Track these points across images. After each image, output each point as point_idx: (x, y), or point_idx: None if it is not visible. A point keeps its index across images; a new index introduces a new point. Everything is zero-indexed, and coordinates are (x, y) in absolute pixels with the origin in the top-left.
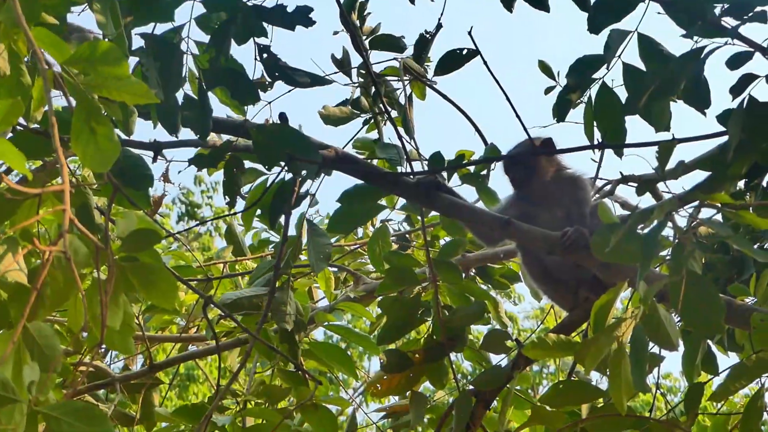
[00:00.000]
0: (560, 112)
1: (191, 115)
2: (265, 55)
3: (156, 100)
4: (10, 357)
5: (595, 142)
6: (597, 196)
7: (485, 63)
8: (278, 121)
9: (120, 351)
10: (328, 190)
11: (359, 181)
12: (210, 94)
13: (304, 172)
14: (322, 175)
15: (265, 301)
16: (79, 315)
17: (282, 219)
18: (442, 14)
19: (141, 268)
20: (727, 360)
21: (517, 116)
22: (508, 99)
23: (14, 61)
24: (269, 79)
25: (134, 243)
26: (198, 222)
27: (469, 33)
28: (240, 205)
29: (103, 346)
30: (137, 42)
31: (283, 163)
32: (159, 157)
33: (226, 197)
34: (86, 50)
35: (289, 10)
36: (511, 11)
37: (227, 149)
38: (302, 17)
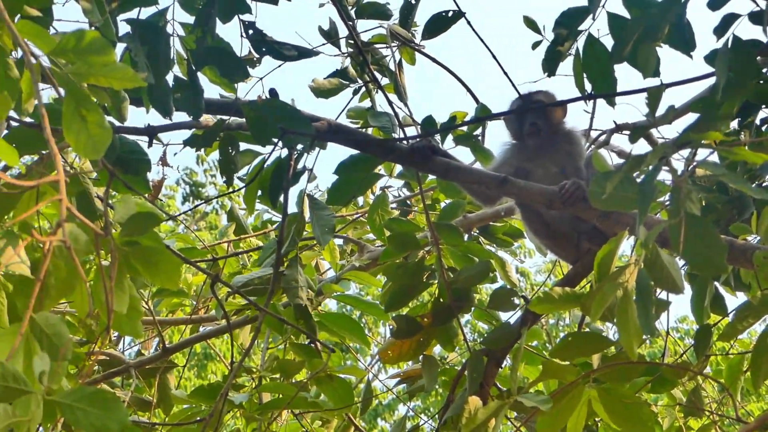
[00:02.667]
0: (549, 66)
1: (183, 97)
2: (250, 31)
3: (142, 83)
4: (19, 349)
5: (586, 93)
6: (592, 147)
7: (469, 24)
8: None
9: (129, 334)
10: (326, 165)
11: (355, 152)
12: (200, 74)
13: (299, 146)
14: (318, 149)
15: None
16: (84, 302)
17: (282, 197)
18: None
19: (142, 251)
20: (736, 300)
21: (505, 73)
22: (494, 57)
23: (0, 56)
24: (257, 55)
25: (134, 227)
26: (202, 201)
27: None
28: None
29: (116, 333)
30: (123, 28)
31: (277, 140)
32: (155, 141)
33: (224, 176)
34: (71, 40)
35: None
36: None
37: (220, 128)
38: None
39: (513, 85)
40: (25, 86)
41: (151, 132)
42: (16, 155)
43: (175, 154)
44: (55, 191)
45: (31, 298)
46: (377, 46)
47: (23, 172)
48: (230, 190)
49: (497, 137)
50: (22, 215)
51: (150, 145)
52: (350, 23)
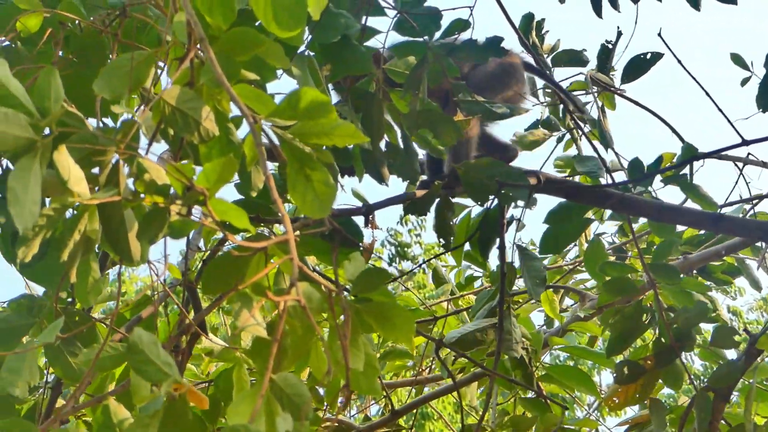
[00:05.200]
0: (764, 101)
1: (398, 162)
2: (460, 93)
3: (365, 139)
4: (261, 410)
5: None
6: None
7: (679, 62)
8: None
9: (367, 393)
10: (529, 214)
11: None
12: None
13: (520, 203)
14: (528, 201)
15: (489, 332)
16: (321, 362)
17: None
18: (637, 22)
19: (375, 307)
20: None
21: (720, 110)
22: (707, 94)
23: (221, 121)
24: (467, 115)
25: (365, 284)
26: (417, 266)
27: (659, 35)
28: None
29: (341, 399)
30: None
31: (493, 197)
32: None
33: (440, 239)
34: (296, 99)
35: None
36: (698, 9)
37: (437, 193)
38: (494, 48)
39: (728, 120)
40: (248, 149)
41: (367, 210)
42: (245, 217)
43: (391, 230)
44: (282, 254)
45: (269, 360)
46: (575, 93)
47: (252, 231)
48: (441, 250)
49: (706, 174)
50: (254, 277)
51: (366, 224)
52: (547, 72)
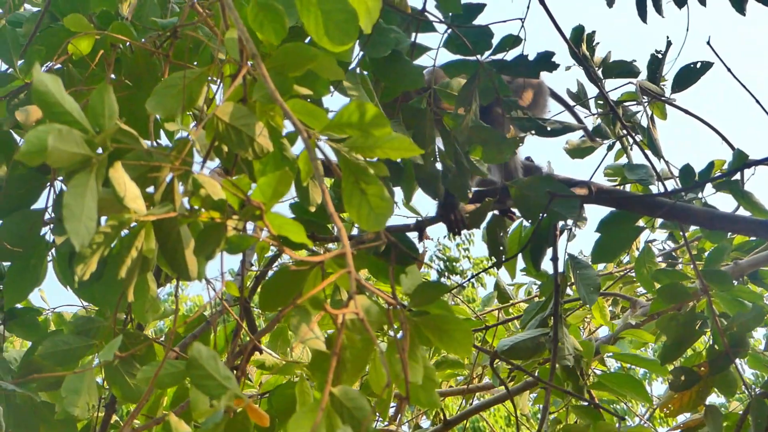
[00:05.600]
0: None
1: (449, 179)
2: (513, 111)
3: (420, 151)
4: (321, 424)
5: None
6: None
7: (729, 70)
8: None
9: (425, 406)
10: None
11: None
12: None
13: (570, 221)
14: (578, 218)
15: (540, 342)
16: (380, 376)
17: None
18: (688, 28)
19: (434, 320)
20: None
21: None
22: (757, 101)
23: (275, 137)
24: (521, 133)
25: (423, 296)
26: (467, 279)
27: (708, 43)
28: None
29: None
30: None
31: (543, 213)
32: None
33: (492, 256)
34: (346, 114)
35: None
36: (743, 14)
37: (488, 209)
38: (546, 63)
39: None
40: (303, 164)
41: (420, 227)
42: (302, 231)
43: (440, 243)
44: (339, 268)
45: (329, 373)
46: (626, 104)
47: (310, 245)
48: (493, 266)
49: (758, 181)
50: (312, 291)
51: (420, 239)
52: (598, 83)
